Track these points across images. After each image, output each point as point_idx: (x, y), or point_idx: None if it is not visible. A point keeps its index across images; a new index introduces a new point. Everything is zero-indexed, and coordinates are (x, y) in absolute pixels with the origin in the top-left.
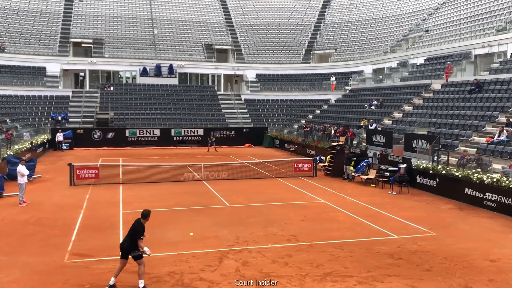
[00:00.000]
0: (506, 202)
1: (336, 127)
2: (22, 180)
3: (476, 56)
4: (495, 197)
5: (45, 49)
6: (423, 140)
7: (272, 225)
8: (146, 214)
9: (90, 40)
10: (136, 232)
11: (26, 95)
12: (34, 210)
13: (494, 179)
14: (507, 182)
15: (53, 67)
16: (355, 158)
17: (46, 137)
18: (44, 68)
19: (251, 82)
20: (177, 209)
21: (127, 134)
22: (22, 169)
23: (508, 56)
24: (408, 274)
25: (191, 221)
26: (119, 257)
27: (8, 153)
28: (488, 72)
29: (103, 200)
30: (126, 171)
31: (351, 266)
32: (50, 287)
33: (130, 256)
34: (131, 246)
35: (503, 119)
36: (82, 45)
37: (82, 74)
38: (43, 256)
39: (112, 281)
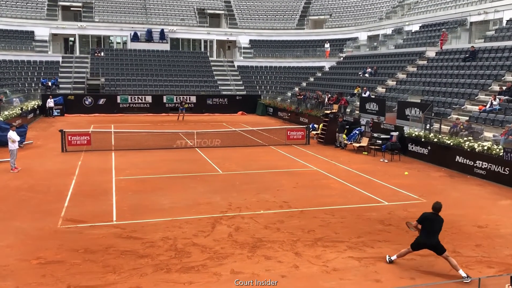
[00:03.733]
0: (495, 169)
1: (329, 95)
2: (13, 146)
3: (471, 23)
4: (485, 165)
5: (32, 13)
6: (416, 108)
7: (265, 191)
8: (439, 208)
9: (80, 4)
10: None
11: (14, 60)
12: (26, 176)
13: (485, 147)
14: (497, 150)
15: (42, 31)
16: (348, 126)
17: (37, 103)
18: (32, 32)
19: (244, 48)
20: (170, 176)
21: (118, 101)
22: (13, 135)
23: (504, 24)
24: (398, 239)
25: (184, 187)
26: (112, 223)
27: None
28: (483, 40)
29: (96, 166)
30: (118, 138)
31: (342, 231)
32: (44, 252)
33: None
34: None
35: (496, 88)
36: (71, 9)
37: (71, 39)
38: (36, 222)
39: (394, 257)
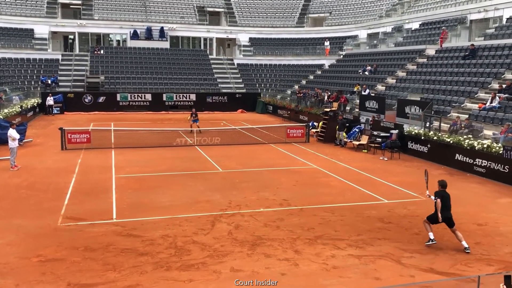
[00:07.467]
0: (495, 167)
1: (329, 93)
2: (13, 144)
3: (471, 21)
4: (485, 162)
5: (32, 10)
6: (415, 106)
7: (265, 189)
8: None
9: (79, 2)
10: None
11: (14, 58)
12: (26, 174)
13: (485, 145)
14: (497, 148)
15: (41, 29)
16: (348, 124)
17: (36, 101)
18: (32, 30)
19: (244, 46)
20: (170, 174)
21: (118, 99)
22: (13, 133)
23: (504, 22)
24: (397, 237)
25: (183, 185)
26: (112, 220)
27: None
28: (483, 38)
29: (95, 164)
30: (118, 136)
31: (342, 229)
32: (45, 249)
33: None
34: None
35: (496, 86)
36: (71, 6)
37: (71, 36)
38: (36, 220)
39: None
